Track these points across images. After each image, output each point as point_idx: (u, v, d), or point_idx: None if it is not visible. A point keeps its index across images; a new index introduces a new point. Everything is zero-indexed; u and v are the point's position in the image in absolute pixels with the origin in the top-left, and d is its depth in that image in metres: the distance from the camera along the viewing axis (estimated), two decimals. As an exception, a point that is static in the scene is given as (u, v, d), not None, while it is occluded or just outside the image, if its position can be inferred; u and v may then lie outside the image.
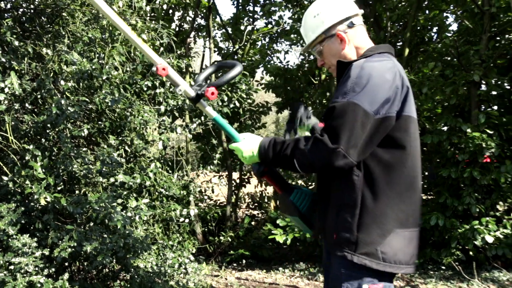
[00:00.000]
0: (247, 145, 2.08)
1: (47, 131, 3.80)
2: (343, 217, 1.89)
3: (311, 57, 9.15)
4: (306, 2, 8.28)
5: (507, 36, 7.54)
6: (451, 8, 8.62)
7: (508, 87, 7.41)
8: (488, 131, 6.64)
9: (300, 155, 1.87)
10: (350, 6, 2.11)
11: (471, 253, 6.31)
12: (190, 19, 8.70)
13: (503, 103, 7.36)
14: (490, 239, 6.08)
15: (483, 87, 7.35)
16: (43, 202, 3.47)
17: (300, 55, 10.21)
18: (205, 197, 7.55)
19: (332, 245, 1.95)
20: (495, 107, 7.29)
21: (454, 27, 8.86)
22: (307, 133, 2.29)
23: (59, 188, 3.82)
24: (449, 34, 8.57)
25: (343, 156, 1.74)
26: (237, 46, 8.97)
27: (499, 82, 7.27)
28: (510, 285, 5.46)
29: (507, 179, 6.47)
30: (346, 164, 1.78)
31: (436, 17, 8.58)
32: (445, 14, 8.74)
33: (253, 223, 7.89)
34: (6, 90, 3.44)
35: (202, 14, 8.76)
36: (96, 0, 2.10)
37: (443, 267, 6.38)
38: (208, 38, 8.39)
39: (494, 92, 7.37)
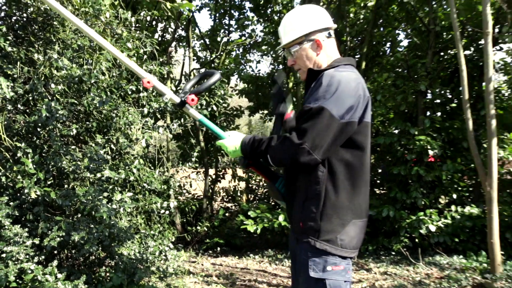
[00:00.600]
0: (231, 141, 2.11)
1: (38, 130, 3.73)
2: (308, 208, 1.93)
3: (280, 66, 9.20)
4: (276, 18, 8.30)
5: (449, 51, 7.74)
6: (402, 26, 8.80)
7: (450, 96, 7.62)
8: (432, 134, 6.81)
9: (272, 151, 1.91)
10: (330, 19, 2.13)
11: (417, 240, 6.46)
12: (172, 30, 8.65)
13: (445, 110, 7.56)
14: (433, 228, 6.24)
15: (429, 96, 7.54)
16: (33, 196, 3.40)
17: (270, 65, 10.24)
18: (184, 191, 7.52)
19: (299, 233, 1.99)
20: (439, 114, 7.48)
21: (405, 43, 9.06)
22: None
23: (49, 183, 3.75)
24: (400, 49, 8.75)
25: (308, 152, 1.78)
26: (214, 56, 8.95)
27: (442, 92, 7.47)
28: (449, 268, 5.60)
29: (448, 176, 6.67)
30: (311, 160, 1.81)
31: (389, 34, 8.76)
32: (397, 31, 8.92)
33: (227, 214, 7.88)
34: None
35: (182, 26, 8.70)
36: (87, 30, 2.17)
37: (393, 253, 6.50)
38: (187, 48, 8.35)
39: (437, 100, 7.59)
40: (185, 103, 2.18)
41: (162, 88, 2.22)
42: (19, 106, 3.77)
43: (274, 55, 9.78)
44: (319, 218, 1.90)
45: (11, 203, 3.38)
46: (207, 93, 7.34)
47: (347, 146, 1.91)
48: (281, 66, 9.38)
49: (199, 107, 5.77)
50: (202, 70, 9.14)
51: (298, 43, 2.09)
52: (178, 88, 7.31)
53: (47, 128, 3.66)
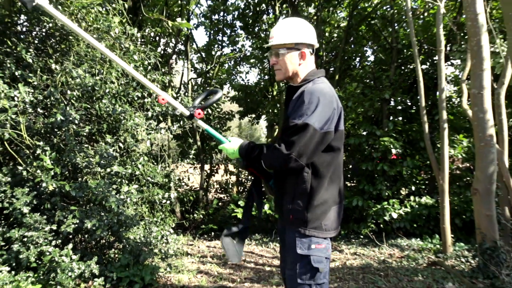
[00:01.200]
0: (230, 145, 2.18)
1: (55, 130, 3.69)
2: (297, 203, 1.98)
3: (266, 77, 9.21)
4: (262, 35, 8.31)
5: (409, 66, 7.84)
6: (370, 44, 8.89)
7: (409, 103, 7.72)
8: (394, 135, 6.90)
9: (264, 158, 1.96)
10: (316, 39, 2.14)
11: (381, 225, 6.54)
12: (172, 44, 8.62)
13: (406, 115, 7.65)
14: (395, 215, 6.33)
15: (392, 103, 7.63)
16: (51, 188, 3.36)
17: (257, 75, 10.24)
18: (183, 183, 7.51)
19: (289, 224, 2.03)
20: (400, 118, 7.57)
21: (372, 58, 9.11)
22: None
23: (64, 176, 3.72)
24: (368, 63, 8.84)
25: (295, 160, 1.85)
26: (209, 67, 8.94)
27: (403, 100, 7.57)
28: (408, 249, 5.67)
29: (408, 171, 6.76)
30: (298, 166, 1.89)
31: (358, 50, 8.84)
32: (365, 48, 9.01)
33: (220, 204, 7.87)
34: (17, 98, 3.34)
35: (182, 41, 8.67)
36: (116, 59, 2.27)
37: (362, 236, 6.57)
38: (186, 60, 8.31)
39: (399, 107, 7.68)
40: (193, 116, 2.25)
41: (175, 103, 2.28)
42: (38, 109, 3.73)
43: (261, 67, 9.79)
44: (305, 211, 1.96)
45: (31, 194, 3.34)
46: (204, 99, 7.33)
47: (325, 150, 1.97)
48: (267, 77, 9.39)
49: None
50: (199, 79, 9.11)
51: (287, 47, 2.07)
52: (178, 95, 7.27)
53: (63, 129, 3.63)
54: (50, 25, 3.88)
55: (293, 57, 2.08)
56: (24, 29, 4.09)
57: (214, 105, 7.32)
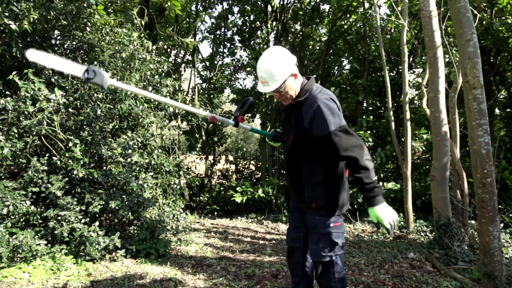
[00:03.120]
0: (385, 211, 1.84)
1: (84, 127, 3.67)
2: (317, 191, 1.95)
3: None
4: (257, 48, 8.28)
5: (378, 73, 7.86)
6: (346, 55, 8.88)
7: (379, 105, 7.74)
8: (367, 131, 6.92)
9: (367, 171, 1.78)
10: (292, 55, 1.98)
11: (355, 206, 6.56)
12: (182, 55, 8.57)
13: (376, 114, 7.68)
14: (367, 197, 6.35)
15: (364, 104, 7.65)
16: (80, 175, 3.35)
17: (253, 81, 10.20)
18: (190, 171, 7.49)
19: (312, 210, 1.99)
20: (371, 117, 7.60)
21: (348, 67, 9.12)
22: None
23: (92, 165, 3.71)
24: (344, 71, 8.83)
25: (367, 153, 1.81)
26: (212, 74, 8.89)
27: (374, 102, 7.59)
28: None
29: (378, 160, 6.78)
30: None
31: (337, 61, 8.83)
32: (342, 59, 8.99)
33: (221, 188, 7.87)
34: (52, 100, 3.32)
35: (189, 52, 8.62)
36: (164, 100, 2.33)
37: (339, 215, 6.58)
38: (193, 68, 8.27)
39: (370, 108, 7.70)
40: (238, 123, 2.32)
41: (222, 119, 2.36)
42: (70, 109, 3.71)
43: (255, 74, 9.77)
44: (326, 198, 1.94)
45: (64, 180, 3.34)
46: (208, 101, 7.31)
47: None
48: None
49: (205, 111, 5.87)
50: (204, 84, 9.07)
51: (285, 81, 1.91)
52: (187, 96, 7.23)
53: (91, 125, 3.62)
54: (79, 39, 3.85)
55: (291, 84, 1.92)
56: (57, 42, 4.06)
57: (216, 105, 7.30)
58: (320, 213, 1.96)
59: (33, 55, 2.13)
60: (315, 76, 2.09)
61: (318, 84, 2.05)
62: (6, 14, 3.21)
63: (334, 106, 1.84)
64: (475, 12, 4.61)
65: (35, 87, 3.20)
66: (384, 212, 1.76)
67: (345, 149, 1.76)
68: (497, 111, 7.56)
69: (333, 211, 1.95)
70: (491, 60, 6.97)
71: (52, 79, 3.56)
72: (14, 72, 3.25)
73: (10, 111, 3.22)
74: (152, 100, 4.38)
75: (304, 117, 1.88)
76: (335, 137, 1.77)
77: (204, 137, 8.01)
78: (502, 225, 5.35)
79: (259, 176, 8.73)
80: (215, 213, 6.83)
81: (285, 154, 2.15)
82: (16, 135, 3.31)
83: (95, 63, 3.86)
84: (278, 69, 1.88)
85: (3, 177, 3.47)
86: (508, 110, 7.36)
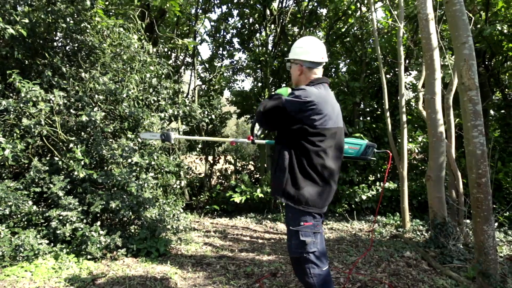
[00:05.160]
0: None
1: (85, 128, 3.66)
2: (279, 176, 1.96)
3: (259, 84, 9.19)
4: (257, 51, 8.27)
5: (375, 75, 7.86)
6: (343, 57, 8.89)
7: (376, 106, 7.74)
8: (364, 132, 6.92)
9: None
10: (318, 56, 2.06)
11: (353, 206, 6.57)
12: (182, 57, 8.56)
13: (373, 115, 7.69)
14: (364, 197, 6.37)
15: (362, 106, 7.65)
16: (81, 175, 3.34)
17: (251, 83, 10.20)
18: (191, 171, 7.48)
19: (276, 195, 1.99)
20: (368, 118, 7.60)
21: (345, 69, 9.13)
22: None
23: (93, 166, 3.69)
24: (342, 73, 8.83)
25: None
26: (211, 76, 8.89)
27: (371, 103, 7.59)
28: (373, 224, 5.72)
29: (374, 162, 6.79)
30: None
31: (334, 63, 8.82)
32: (340, 61, 9.00)
33: (221, 188, 7.86)
34: (52, 101, 3.32)
35: (189, 55, 8.61)
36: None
37: (337, 214, 6.61)
38: (193, 70, 8.26)
39: (367, 109, 7.70)
40: (253, 141, 2.38)
41: (240, 140, 2.65)
42: (71, 110, 3.70)
43: (254, 76, 9.77)
44: (284, 184, 1.93)
45: (65, 180, 3.33)
46: (208, 104, 7.32)
47: (308, 141, 1.95)
48: (259, 84, 9.36)
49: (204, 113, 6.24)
50: (204, 86, 9.06)
51: (291, 62, 2.11)
52: (187, 98, 7.22)
53: (91, 126, 3.61)
54: (80, 41, 3.84)
55: (293, 69, 2.10)
56: (59, 44, 4.05)
57: (215, 107, 7.32)
58: (290, 204, 1.92)
59: (144, 135, 2.92)
60: (326, 82, 2.05)
61: (322, 85, 2.03)
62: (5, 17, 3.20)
63: (302, 94, 1.88)
64: (470, 15, 4.62)
65: (28, 88, 3.17)
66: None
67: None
68: (491, 112, 7.57)
69: (295, 203, 1.90)
70: (486, 63, 6.98)
71: (53, 81, 3.55)
72: (11, 71, 3.20)
73: (11, 112, 3.20)
74: (152, 102, 4.37)
75: None
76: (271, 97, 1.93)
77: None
78: (496, 224, 5.36)
79: (258, 176, 8.72)
80: (215, 212, 6.82)
81: None
82: (18, 136, 3.30)
83: (96, 65, 3.85)
84: (296, 47, 2.08)
85: (5, 177, 3.46)
86: (503, 111, 7.37)
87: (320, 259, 1.97)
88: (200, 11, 8.44)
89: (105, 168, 3.83)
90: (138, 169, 3.95)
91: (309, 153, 1.91)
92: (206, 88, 8.98)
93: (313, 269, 1.96)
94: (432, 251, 3.89)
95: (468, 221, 4.35)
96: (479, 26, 5.85)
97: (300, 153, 1.92)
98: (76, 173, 3.33)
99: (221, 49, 9.34)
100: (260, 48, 8.34)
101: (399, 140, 6.35)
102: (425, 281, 3.04)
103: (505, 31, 5.70)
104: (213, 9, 8.65)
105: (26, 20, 3.28)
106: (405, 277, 3.15)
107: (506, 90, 7.41)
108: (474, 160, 2.87)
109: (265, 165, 8.00)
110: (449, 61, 5.02)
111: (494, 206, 5.83)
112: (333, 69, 9.18)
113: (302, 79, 2.09)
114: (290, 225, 1.96)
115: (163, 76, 4.65)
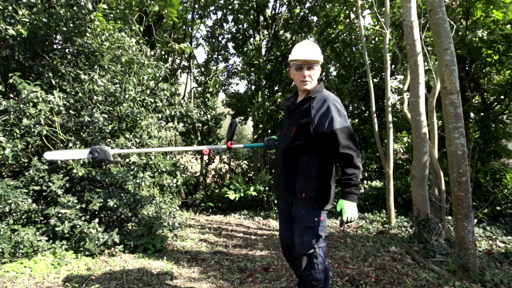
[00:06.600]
0: (352, 208, 1.96)
1: (84, 128, 3.62)
2: (310, 184, 1.96)
3: (253, 87, 9.19)
4: (251, 54, 8.27)
5: (363, 79, 7.93)
6: (333, 62, 8.94)
7: (363, 109, 7.81)
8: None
9: (357, 176, 1.92)
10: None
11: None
12: (178, 60, 8.52)
13: (361, 117, 7.75)
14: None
15: (350, 108, 7.71)
16: (80, 173, 3.31)
17: (245, 85, 10.19)
18: (186, 170, 7.44)
19: (300, 201, 1.99)
20: (356, 120, 7.66)
21: (335, 73, 9.18)
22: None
23: (91, 164, 3.65)
24: (331, 77, 8.89)
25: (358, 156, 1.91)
26: (207, 79, 8.86)
27: (358, 105, 7.65)
28: (362, 220, 5.75)
29: (362, 161, 6.82)
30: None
31: (325, 67, 8.88)
32: (329, 66, 9.05)
33: (216, 186, 7.84)
34: (52, 102, 3.27)
35: (185, 58, 8.57)
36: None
37: (326, 211, 6.60)
38: (189, 73, 8.22)
39: (356, 111, 7.76)
40: (229, 147, 2.35)
41: (214, 147, 2.48)
42: (71, 111, 3.66)
43: (248, 79, 9.77)
44: (316, 191, 1.95)
45: (64, 179, 3.29)
46: (203, 104, 7.29)
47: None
48: (253, 87, 9.37)
49: (201, 114, 6.40)
50: (199, 88, 9.02)
51: (319, 64, 2.06)
52: (183, 100, 7.19)
53: (90, 127, 3.57)
54: (79, 44, 3.80)
55: (318, 72, 2.07)
56: (59, 46, 4.00)
57: (210, 107, 7.31)
58: (307, 204, 1.95)
59: (50, 155, 2.42)
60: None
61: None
62: (7, 19, 3.15)
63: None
64: (452, 23, 4.69)
65: (30, 90, 3.13)
66: (350, 209, 1.87)
67: (344, 147, 1.85)
68: (472, 115, 7.70)
69: (320, 205, 1.96)
70: (466, 68, 7.10)
71: (53, 82, 3.51)
72: (12, 74, 3.16)
73: (11, 112, 3.16)
74: (149, 104, 4.34)
75: (312, 112, 1.95)
76: (339, 134, 1.85)
77: (199, 138, 7.97)
78: (476, 220, 5.45)
79: (251, 175, 8.72)
80: (210, 210, 6.79)
81: (281, 145, 2.12)
82: (18, 135, 3.25)
83: (96, 67, 3.81)
84: (318, 50, 2.06)
85: (5, 176, 3.40)
86: (482, 114, 7.50)
87: (324, 255, 2.02)
88: (197, 16, 8.42)
89: (103, 167, 3.80)
90: (135, 168, 3.93)
91: (331, 157, 1.98)
92: (202, 90, 8.95)
93: (321, 264, 2.00)
94: (416, 246, 3.93)
95: (449, 217, 4.42)
96: (460, 33, 5.94)
97: (327, 159, 1.97)
98: (75, 171, 3.30)
99: (216, 53, 9.33)
100: (254, 52, 8.35)
101: (385, 140, 6.41)
102: (409, 275, 3.08)
103: (485, 37, 5.80)
104: (209, 15, 8.63)
105: (27, 19, 3.24)
106: (390, 270, 3.18)
107: (485, 94, 7.54)
108: (455, 160, 2.92)
109: (258, 164, 8.00)
110: (433, 66, 5.09)
111: (474, 203, 5.92)
112: (324, 73, 9.23)
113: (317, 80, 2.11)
114: (305, 222, 1.96)
115: (160, 78, 4.62)
